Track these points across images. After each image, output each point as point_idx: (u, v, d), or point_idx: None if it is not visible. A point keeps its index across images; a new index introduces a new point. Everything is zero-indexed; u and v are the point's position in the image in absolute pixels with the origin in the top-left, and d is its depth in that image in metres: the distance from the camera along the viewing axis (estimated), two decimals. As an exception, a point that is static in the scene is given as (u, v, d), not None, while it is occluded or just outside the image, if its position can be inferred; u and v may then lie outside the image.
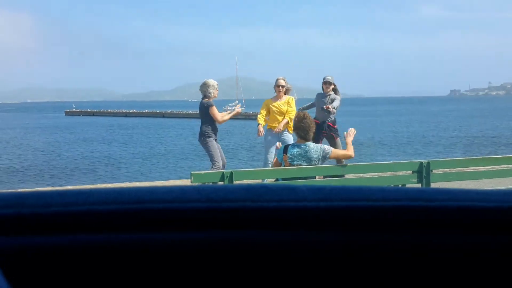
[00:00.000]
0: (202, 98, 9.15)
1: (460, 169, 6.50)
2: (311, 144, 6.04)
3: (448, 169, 6.71)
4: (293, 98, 9.40)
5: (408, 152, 31.13)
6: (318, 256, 0.81)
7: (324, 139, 9.31)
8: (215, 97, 9.14)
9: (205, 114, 8.97)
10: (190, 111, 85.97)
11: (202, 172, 6.14)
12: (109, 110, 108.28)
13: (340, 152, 6.16)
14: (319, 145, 6.14)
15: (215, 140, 8.97)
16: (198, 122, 9.11)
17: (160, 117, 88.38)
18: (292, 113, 9.02)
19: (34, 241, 0.77)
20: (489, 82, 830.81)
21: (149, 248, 0.78)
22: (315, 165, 5.98)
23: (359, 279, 0.81)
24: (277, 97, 9.34)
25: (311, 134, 6.06)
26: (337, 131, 9.42)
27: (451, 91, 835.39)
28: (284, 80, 9.38)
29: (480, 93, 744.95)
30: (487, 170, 6.64)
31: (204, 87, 9.11)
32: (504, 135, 43.15)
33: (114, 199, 0.80)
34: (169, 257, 0.79)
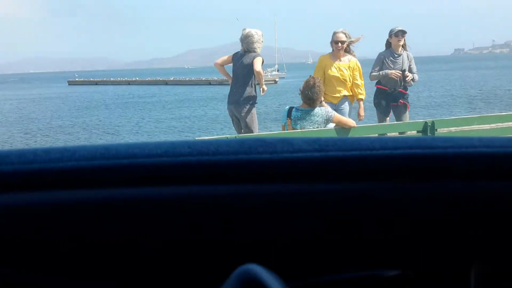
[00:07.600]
0: (248, 52, 7.08)
1: (465, 128, 6.49)
2: (315, 108, 6.03)
3: (453, 128, 6.69)
4: (357, 61, 7.22)
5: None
6: (314, 207, 0.78)
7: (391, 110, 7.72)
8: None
9: (251, 72, 7.07)
10: (193, 78, 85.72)
11: (207, 138, 6.15)
12: (112, 79, 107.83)
13: (342, 118, 6.13)
14: (323, 108, 6.11)
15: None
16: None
17: (163, 84, 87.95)
18: (358, 81, 7.14)
19: (17, 198, 0.75)
20: (493, 40, 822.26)
21: (139, 203, 0.76)
22: (319, 128, 5.97)
23: (355, 229, 0.79)
24: (335, 56, 7.13)
25: (318, 103, 6.05)
26: (408, 97, 7.74)
27: (455, 50, 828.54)
28: (345, 34, 7.04)
29: (484, 51, 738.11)
30: (492, 128, 6.58)
31: (249, 39, 7.08)
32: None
33: (101, 155, 0.77)
34: (159, 212, 0.76)
